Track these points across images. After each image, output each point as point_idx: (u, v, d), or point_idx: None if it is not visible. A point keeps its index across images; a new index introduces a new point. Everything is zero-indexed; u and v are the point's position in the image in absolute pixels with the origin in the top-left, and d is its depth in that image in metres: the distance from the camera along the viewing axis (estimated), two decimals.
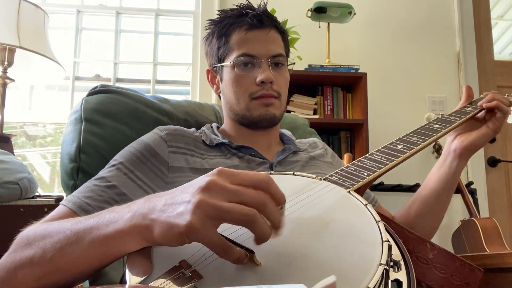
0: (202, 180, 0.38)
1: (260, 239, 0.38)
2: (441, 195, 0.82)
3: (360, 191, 0.56)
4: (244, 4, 0.83)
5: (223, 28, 0.81)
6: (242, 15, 0.80)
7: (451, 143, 0.82)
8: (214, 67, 0.86)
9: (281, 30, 0.84)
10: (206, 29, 0.87)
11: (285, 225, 0.40)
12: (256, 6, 0.82)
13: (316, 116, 1.99)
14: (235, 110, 0.82)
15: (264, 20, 0.80)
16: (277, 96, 0.80)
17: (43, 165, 2.39)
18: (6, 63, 1.60)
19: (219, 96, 0.88)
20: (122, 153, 0.73)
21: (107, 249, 0.42)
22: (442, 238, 1.98)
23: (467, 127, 0.82)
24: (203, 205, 0.36)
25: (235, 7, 0.83)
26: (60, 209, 0.62)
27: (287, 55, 0.86)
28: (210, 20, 0.86)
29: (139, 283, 0.37)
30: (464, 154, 0.80)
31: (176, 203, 0.39)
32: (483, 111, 0.81)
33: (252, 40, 0.79)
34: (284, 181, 0.43)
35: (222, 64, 0.82)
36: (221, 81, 0.85)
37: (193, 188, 0.38)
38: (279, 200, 0.40)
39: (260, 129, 0.83)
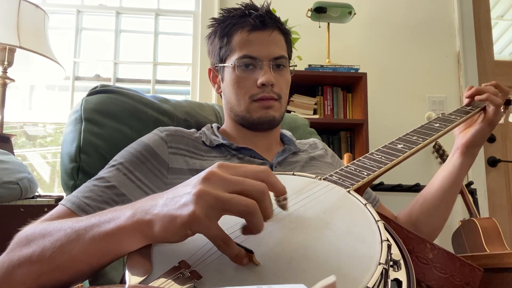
0: (202, 172, 0.39)
1: (254, 231, 0.38)
2: (446, 193, 0.82)
3: (360, 190, 0.56)
4: (248, 3, 0.82)
5: (226, 28, 0.81)
6: (245, 15, 0.80)
7: (456, 141, 0.83)
8: (216, 66, 0.86)
9: (284, 31, 0.83)
10: (209, 27, 0.86)
11: (285, 224, 0.40)
12: (259, 6, 0.81)
13: (316, 116, 1.99)
14: (235, 111, 0.82)
15: (267, 21, 0.79)
16: (277, 99, 0.80)
17: (43, 165, 2.39)
18: (6, 63, 1.60)
19: (220, 95, 0.88)
20: (122, 153, 0.73)
21: (106, 246, 0.42)
22: (442, 238, 1.97)
23: (469, 124, 0.83)
24: (204, 195, 0.36)
25: (238, 6, 0.83)
26: (59, 208, 0.62)
27: (290, 56, 0.86)
28: (213, 18, 0.85)
29: (139, 283, 0.37)
30: (466, 151, 0.80)
31: (178, 196, 0.39)
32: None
33: (254, 41, 0.78)
34: (284, 181, 0.42)
35: (224, 64, 0.82)
36: (222, 81, 0.85)
37: (194, 180, 0.39)
38: (280, 191, 0.41)
39: (260, 131, 0.83)
